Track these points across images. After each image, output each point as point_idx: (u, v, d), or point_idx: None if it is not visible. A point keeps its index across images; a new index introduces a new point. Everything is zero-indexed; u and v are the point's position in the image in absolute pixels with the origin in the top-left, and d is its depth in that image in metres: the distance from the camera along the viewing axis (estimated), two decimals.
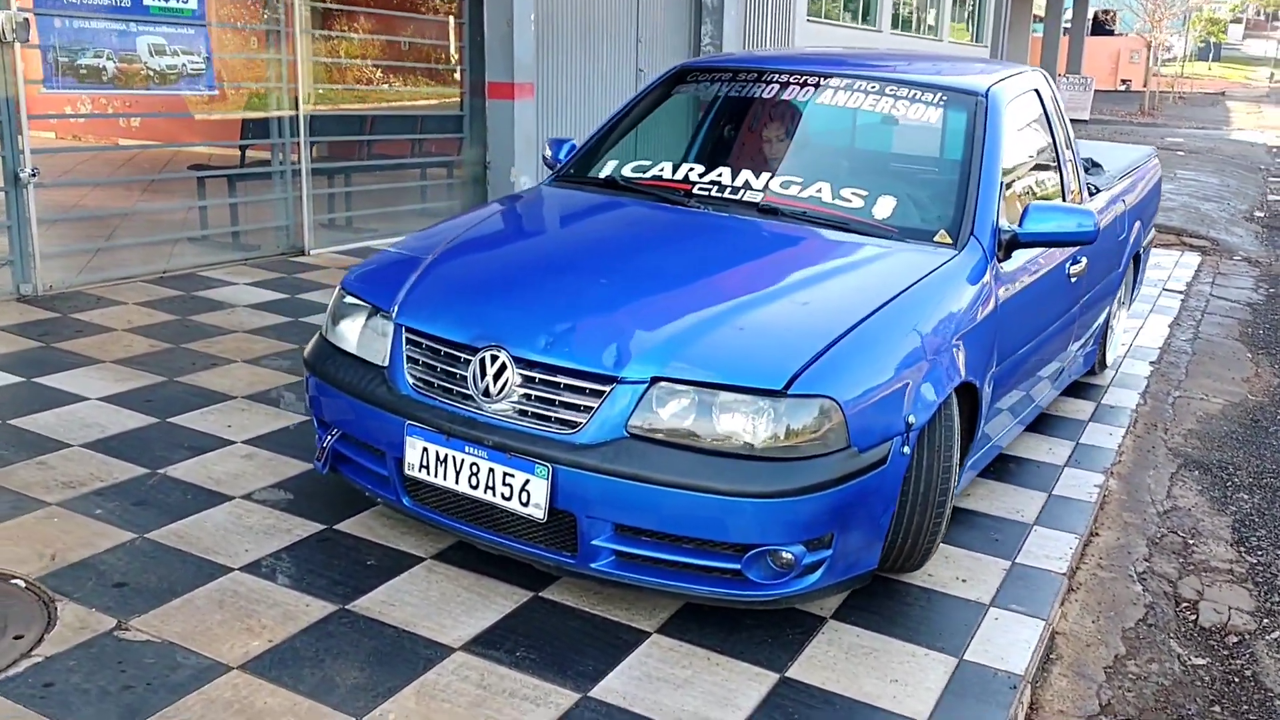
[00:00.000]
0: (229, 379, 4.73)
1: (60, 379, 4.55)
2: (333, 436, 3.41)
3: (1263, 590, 3.75)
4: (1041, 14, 31.29)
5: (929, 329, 3.24)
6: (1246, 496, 4.53)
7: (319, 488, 3.73)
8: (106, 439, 3.99)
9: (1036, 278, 4.07)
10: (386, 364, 3.23)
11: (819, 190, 3.88)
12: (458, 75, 8.83)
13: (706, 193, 3.99)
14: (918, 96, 4.14)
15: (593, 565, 2.96)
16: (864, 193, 3.86)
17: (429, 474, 3.08)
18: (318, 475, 3.81)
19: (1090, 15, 38.17)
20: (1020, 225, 3.78)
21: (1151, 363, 6.31)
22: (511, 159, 8.84)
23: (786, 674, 2.87)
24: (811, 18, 13.83)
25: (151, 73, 6.24)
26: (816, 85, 4.28)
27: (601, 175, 4.31)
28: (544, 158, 4.77)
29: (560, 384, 2.94)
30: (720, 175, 4.05)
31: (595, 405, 2.89)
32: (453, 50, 8.77)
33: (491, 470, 2.98)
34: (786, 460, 2.81)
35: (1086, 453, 4.67)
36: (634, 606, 3.14)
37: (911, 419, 3.04)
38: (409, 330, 3.19)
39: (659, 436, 2.85)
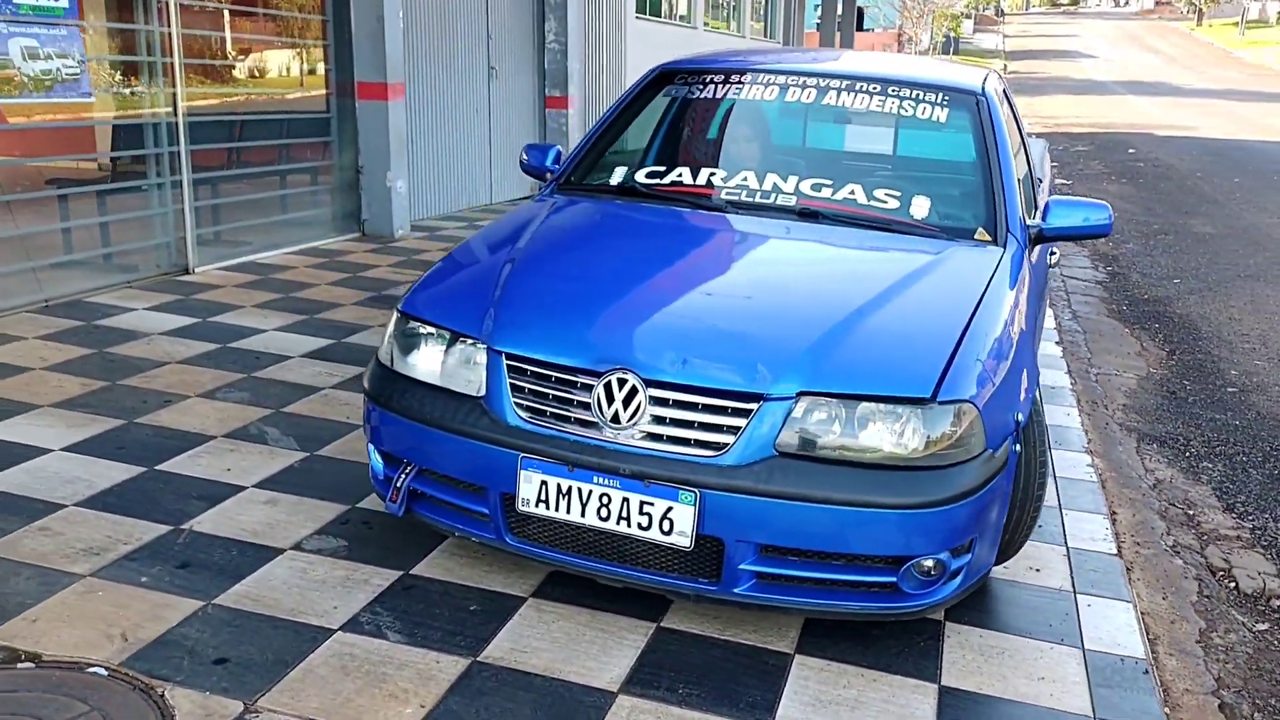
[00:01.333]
0: (194, 417, 4.29)
1: (4, 430, 4.01)
2: (407, 474, 3.15)
3: (1273, 553, 4.02)
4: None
5: (1014, 324, 3.29)
6: (1210, 465, 4.86)
7: (369, 530, 3.44)
8: (101, 494, 3.54)
9: (1040, 269, 4.22)
10: (483, 394, 2.99)
11: (852, 192, 3.89)
12: (323, 75, 8.35)
13: (735, 197, 3.92)
14: (921, 96, 4.20)
15: (735, 590, 2.85)
16: (897, 193, 3.89)
17: (548, 509, 2.88)
18: (363, 516, 3.52)
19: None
20: (1044, 220, 3.91)
21: (1056, 343, 6.68)
22: (386, 163, 8.46)
23: (944, 683, 2.86)
24: (639, 15, 13.87)
25: (26, 79, 5.59)
26: (817, 87, 4.27)
27: (613, 182, 4.17)
28: (521, 163, 4.58)
29: (699, 404, 2.81)
30: (745, 179, 3.99)
31: (742, 425, 2.78)
32: (319, 49, 8.28)
33: (626, 500, 2.82)
34: (940, 468, 2.79)
35: (1059, 434, 4.89)
36: (759, 628, 3.05)
37: (1019, 416, 3.08)
38: (511, 357, 2.97)
39: (809, 453, 2.78)
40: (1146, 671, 2.99)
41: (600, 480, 2.83)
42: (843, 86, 4.26)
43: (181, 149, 6.65)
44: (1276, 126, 26.06)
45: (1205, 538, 4.10)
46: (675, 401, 2.82)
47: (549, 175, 4.42)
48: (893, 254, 3.58)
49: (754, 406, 2.78)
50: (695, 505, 2.76)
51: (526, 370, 2.96)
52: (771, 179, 3.97)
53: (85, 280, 6.14)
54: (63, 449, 3.88)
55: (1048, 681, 2.90)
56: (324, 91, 8.41)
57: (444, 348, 3.11)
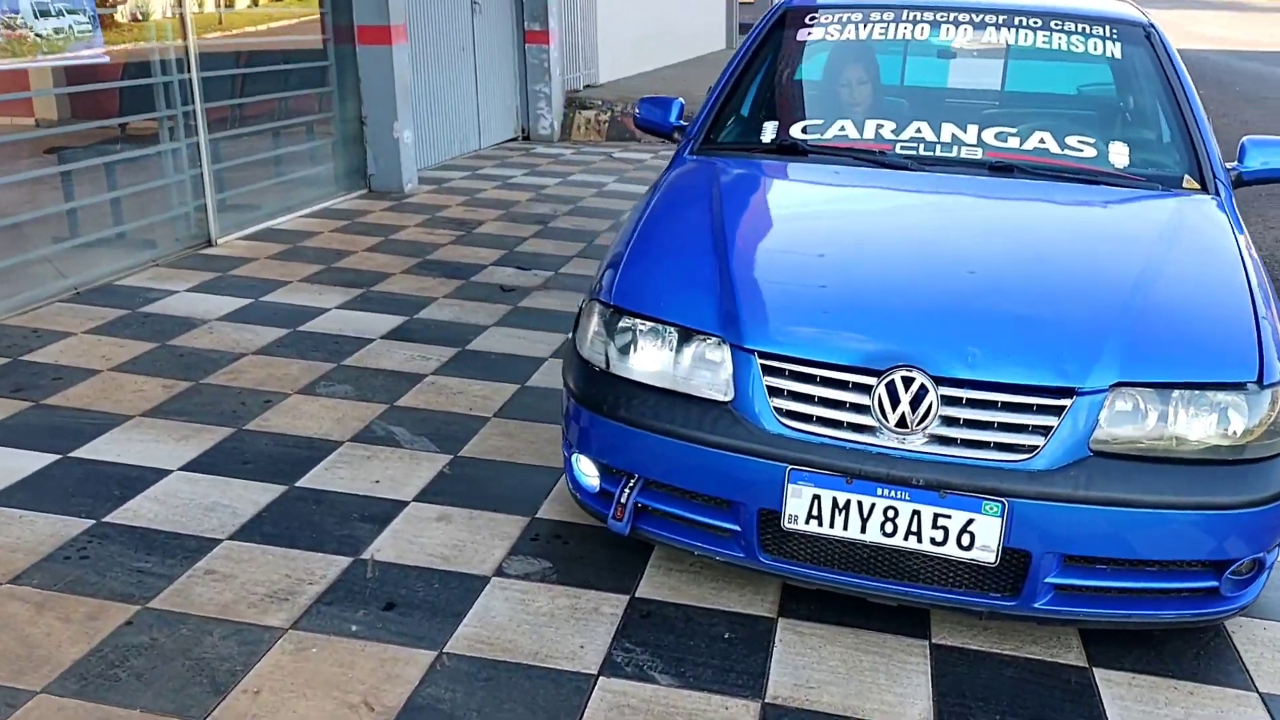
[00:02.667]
0: (306, 419, 3.85)
1: (103, 449, 3.54)
2: (633, 489, 2.78)
3: None
4: None
5: (1268, 284, 3.01)
6: None
7: (566, 546, 3.08)
8: (254, 523, 3.12)
9: None
10: (730, 397, 2.63)
11: (1041, 141, 3.55)
12: (318, 20, 7.72)
13: (914, 151, 3.56)
14: (1088, 30, 3.86)
15: (1035, 605, 2.56)
16: (1089, 140, 3.57)
17: (821, 525, 2.55)
18: (552, 530, 3.15)
19: None
20: (1241, 162, 3.63)
21: None
22: (393, 112, 7.89)
23: (1262, 690, 2.62)
24: None
25: (39, 39, 4.97)
26: (971, 23, 3.91)
27: (765, 140, 3.77)
28: (636, 117, 4.18)
29: (998, 403, 2.49)
30: (919, 131, 3.63)
31: (1053, 424, 2.46)
32: None
33: (917, 513, 2.50)
34: (1266, 459, 2.51)
35: None
36: (1038, 639, 2.77)
37: None
38: (765, 356, 2.60)
39: (1126, 450, 2.47)
40: None
41: (884, 492, 2.51)
42: (999, 22, 3.90)
43: (197, 107, 6.05)
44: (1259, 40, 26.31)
45: None
46: (970, 401, 2.49)
47: (676, 134, 4.03)
48: (1124, 210, 3.27)
49: (1066, 403, 2.46)
50: (1002, 516, 2.45)
51: (785, 370, 2.60)
52: (949, 129, 3.62)
53: (107, 261, 5.57)
54: (181, 469, 3.43)
55: None
56: (319, 37, 7.78)
57: (673, 346, 2.73)
